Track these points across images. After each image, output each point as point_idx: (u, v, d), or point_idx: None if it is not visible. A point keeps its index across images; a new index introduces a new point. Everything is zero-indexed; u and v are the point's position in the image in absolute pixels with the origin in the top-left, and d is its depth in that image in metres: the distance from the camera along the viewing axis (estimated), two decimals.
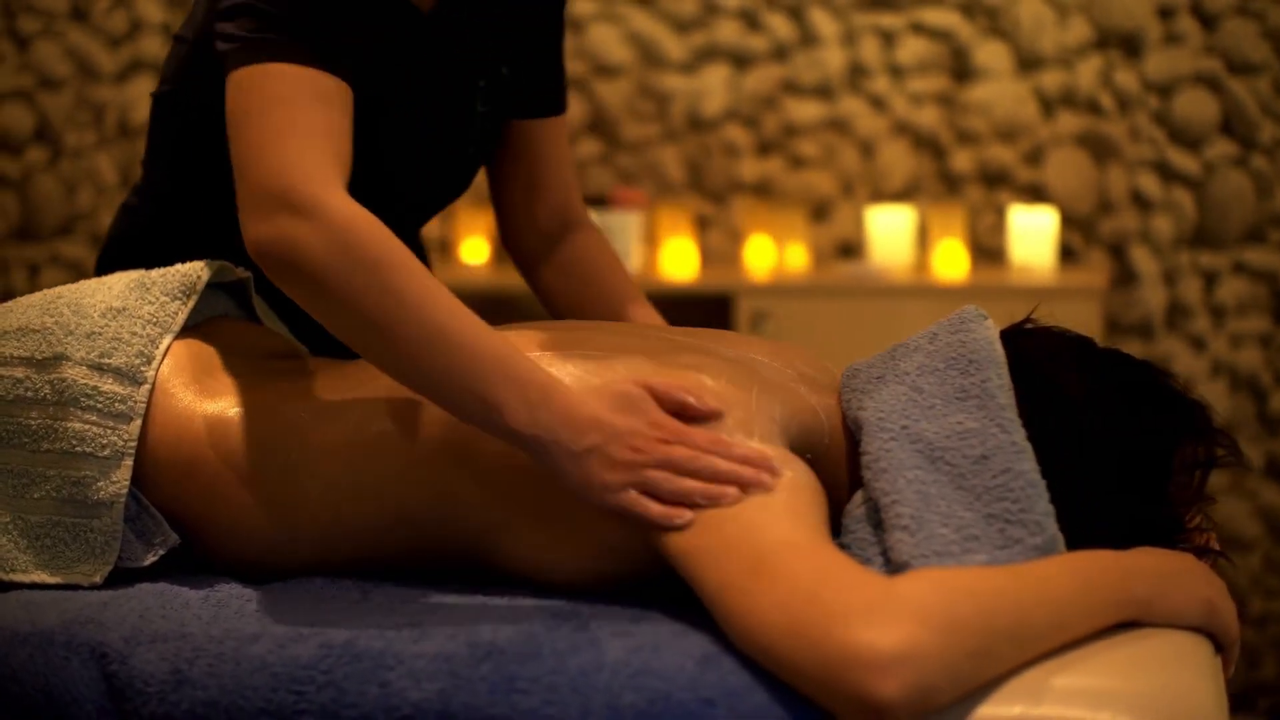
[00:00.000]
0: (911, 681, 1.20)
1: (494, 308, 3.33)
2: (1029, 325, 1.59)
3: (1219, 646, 1.42)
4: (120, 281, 1.70)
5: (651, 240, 3.45)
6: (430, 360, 1.45)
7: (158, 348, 1.62)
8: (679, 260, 3.36)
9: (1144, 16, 3.34)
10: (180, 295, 1.68)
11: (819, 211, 3.54)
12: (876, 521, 1.44)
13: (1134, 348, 3.37)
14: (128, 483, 1.56)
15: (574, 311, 1.95)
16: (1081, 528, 1.43)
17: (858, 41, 3.50)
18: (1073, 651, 1.31)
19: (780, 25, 3.53)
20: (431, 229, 3.71)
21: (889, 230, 3.28)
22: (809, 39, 3.52)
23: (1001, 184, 3.44)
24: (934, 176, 3.48)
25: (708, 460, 1.39)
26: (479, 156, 1.92)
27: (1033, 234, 3.20)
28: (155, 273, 1.72)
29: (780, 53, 3.54)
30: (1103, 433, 1.48)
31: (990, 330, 1.55)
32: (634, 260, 3.30)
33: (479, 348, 1.45)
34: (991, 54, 3.43)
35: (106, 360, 1.59)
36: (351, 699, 1.33)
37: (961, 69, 3.45)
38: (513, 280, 3.37)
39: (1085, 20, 3.37)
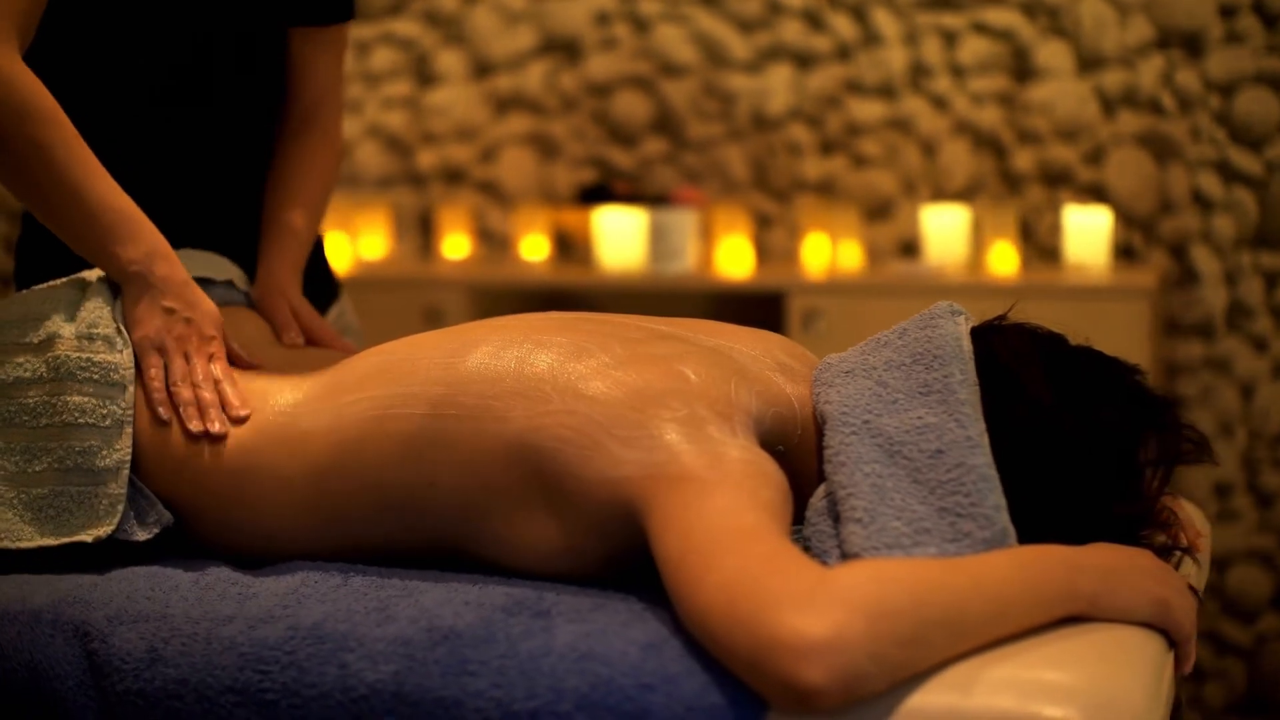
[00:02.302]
0: (837, 668, 1.22)
1: (555, 304, 3.39)
2: (1001, 322, 1.60)
3: (1173, 643, 1.43)
4: None
5: (709, 238, 3.48)
6: (64, 207, 1.70)
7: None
8: (734, 258, 3.39)
9: (1206, 16, 3.31)
10: None
11: (880, 210, 3.55)
12: (836, 514, 1.46)
13: (1195, 348, 3.35)
14: (130, 449, 1.62)
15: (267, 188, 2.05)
16: (1042, 522, 1.45)
17: (920, 41, 3.50)
18: (1012, 644, 1.32)
19: (843, 25, 3.55)
20: (493, 224, 3.77)
21: (944, 229, 3.29)
22: (871, 39, 3.53)
23: (1062, 184, 3.43)
24: (995, 176, 3.47)
25: (203, 386, 1.66)
26: (264, 65, 2.02)
27: (1087, 233, 3.19)
28: None
29: (843, 52, 3.56)
30: (1064, 428, 1.49)
31: (958, 326, 1.56)
32: (689, 258, 3.34)
33: (107, 202, 1.70)
34: (1053, 54, 3.42)
35: (95, 330, 1.66)
36: (311, 679, 1.37)
37: (1023, 69, 3.45)
38: (573, 276, 3.43)
39: (1146, 20, 3.35)
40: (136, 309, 1.69)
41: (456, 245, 3.63)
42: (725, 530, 1.35)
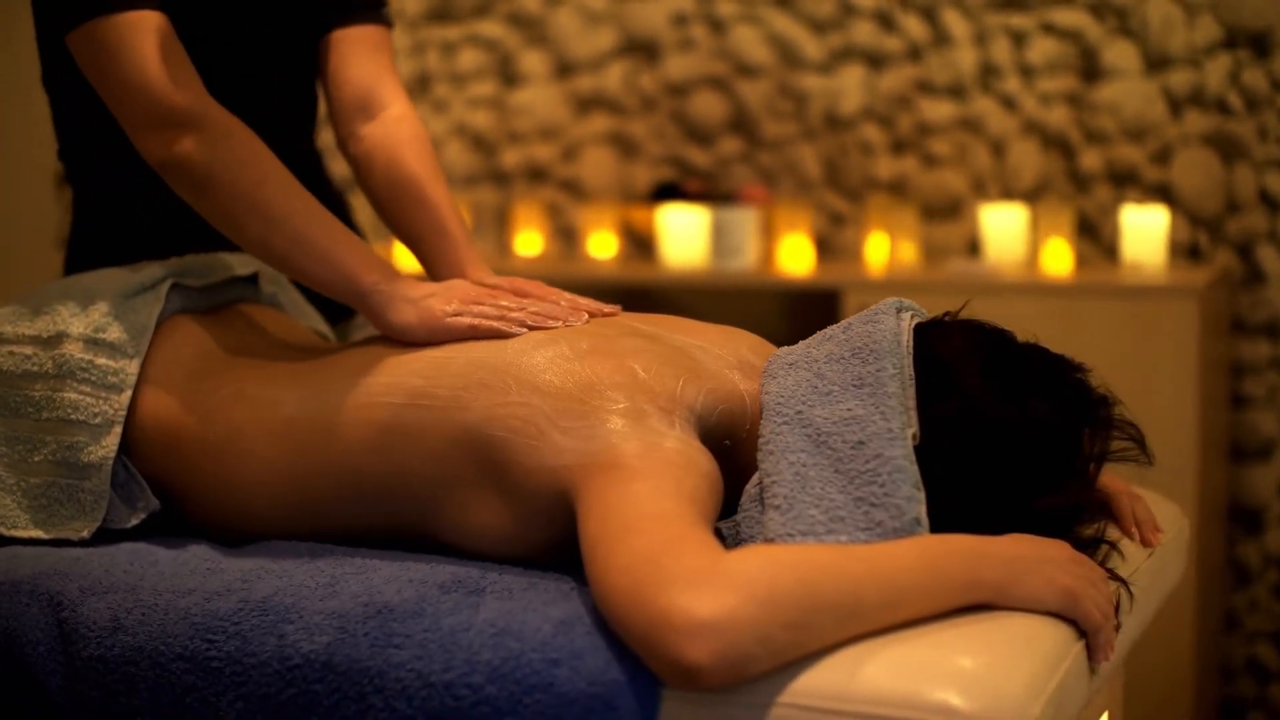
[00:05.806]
0: (721, 648, 1.26)
1: (624, 300, 3.46)
2: (948, 318, 1.64)
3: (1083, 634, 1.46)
4: (143, 269, 1.86)
5: (771, 236, 3.52)
6: (299, 231, 1.77)
7: (151, 322, 1.78)
8: (795, 256, 3.43)
9: (1273, 16, 3.30)
10: (184, 277, 1.85)
11: (950, 209, 3.57)
12: (765, 501, 1.51)
13: (1261, 348, 3.34)
14: (115, 448, 1.72)
15: (381, 190, 2.07)
16: (969, 514, 1.48)
17: (989, 42, 3.52)
18: (912, 629, 1.36)
19: (914, 26, 3.58)
20: (563, 220, 3.84)
21: (1003, 229, 3.31)
22: (942, 39, 3.56)
23: (1129, 183, 3.43)
24: (1062, 175, 3.49)
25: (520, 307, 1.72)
26: (293, 71, 2.10)
27: (1144, 232, 3.19)
28: (174, 261, 1.89)
29: (914, 53, 3.59)
30: (994, 422, 1.51)
31: (900, 322, 1.60)
32: (750, 255, 3.39)
33: (335, 223, 1.79)
34: (1120, 54, 3.43)
35: (102, 335, 1.76)
36: (253, 648, 1.46)
37: (1090, 69, 3.46)
38: (641, 273, 3.49)
39: (1214, 20, 3.35)
40: (398, 318, 1.73)
41: (529, 242, 3.72)
42: (639, 514, 1.40)
